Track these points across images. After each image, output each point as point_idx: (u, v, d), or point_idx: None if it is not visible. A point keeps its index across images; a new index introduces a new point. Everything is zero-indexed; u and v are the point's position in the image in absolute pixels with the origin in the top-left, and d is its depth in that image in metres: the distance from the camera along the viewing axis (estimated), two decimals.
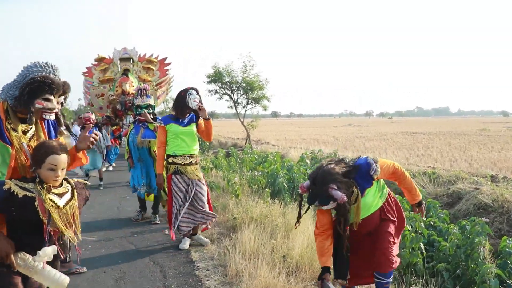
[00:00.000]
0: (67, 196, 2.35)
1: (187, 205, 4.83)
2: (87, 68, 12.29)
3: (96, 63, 12.20)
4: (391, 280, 3.08)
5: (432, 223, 5.30)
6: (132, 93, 11.15)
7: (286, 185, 7.22)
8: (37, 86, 2.26)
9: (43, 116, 2.34)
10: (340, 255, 3.10)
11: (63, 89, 2.39)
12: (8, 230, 2.25)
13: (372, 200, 3.02)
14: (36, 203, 2.18)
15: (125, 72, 11.69)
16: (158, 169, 5.02)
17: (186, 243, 5.01)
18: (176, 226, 4.88)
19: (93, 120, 9.50)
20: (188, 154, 4.83)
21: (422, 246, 4.54)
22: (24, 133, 2.39)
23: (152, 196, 6.37)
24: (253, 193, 6.95)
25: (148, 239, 5.40)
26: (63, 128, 2.60)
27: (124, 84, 11.00)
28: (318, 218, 3.12)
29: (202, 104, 4.77)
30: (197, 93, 4.77)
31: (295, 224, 3.27)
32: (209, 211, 4.95)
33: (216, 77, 16.85)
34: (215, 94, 17.48)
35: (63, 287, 2.32)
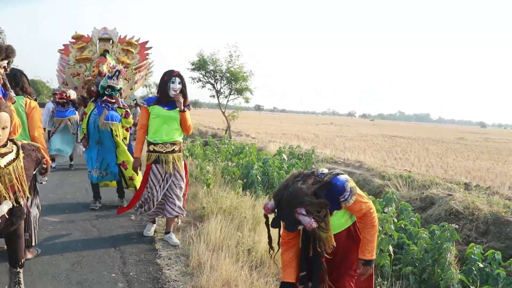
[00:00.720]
0: (10, 156, 2.23)
1: (161, 195, 4.54)
2: (64, 45, 11.85)
3: (74, 40, 11.75)
4: None
5: (403, 226, 5.26)
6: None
7: (259, 178, 7.11)
8: None
9: None
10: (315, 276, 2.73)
11: (6, 53, 2.24)
12: None
13: (339, 221, 2.68)
14: None
15: (104, 53, 11.32)
16: (136, 152, 4.67)
17: (151, 230, 4.84)
18: (141, 212, 4.66)
19: (66, 96, 9.11)
20: (170, 141, 4.49)
21: (391, 248, 4.48)
22: None
23: (114, 182, 6.13)
24: (226, 184, 6.81)
25: (112, 224, 5.22)
26: (12, 94, 2.45)
27: (101, 65, 10.64)
28: (283, 228, 2.70)
29: (184, 94, 4.45)
30: (180, 82, 4.42)
31: (269, 251, 2.77)
32: (178, 206, 4.61)
33: (200, 65, 16.63)
34: (198, 81, 17.27)
35: None
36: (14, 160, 2.24)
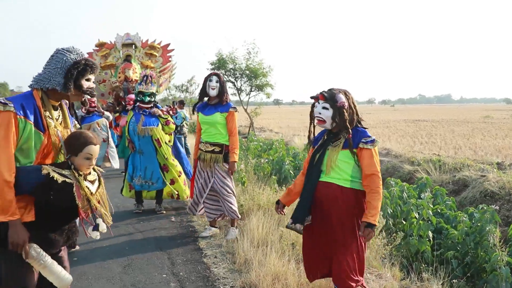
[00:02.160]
0: (96, 183, 2.40)
1: (207, 191, 4.77)
2: (87, 53, 12.11)
3: (97, 48, 12.01)
4: None
5: (439, 211, 5.27)
6: (135, 79, 10.97)
7: (292, 172, 7.18)
8: (83, 68, 2.34)
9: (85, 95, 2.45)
10: (303, 197, 3.03)
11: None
12: (36, 214, 2.25)
13: (337, 158, 2.89)
14: (74, 189, 2.22)
15: (127, 58, 11.52)
16: (194, 153, 5.05)
17: (207, 232, 4.94)
18: (194, 211, 4.97)
19: (96, 104, 9.24)
20: (210, 141, 4.71)
21: (430, 234, 4.50)
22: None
23: (153, 192, 6.22)
24: (259, 181, 6.91)
25: (154, 227, 5.39)
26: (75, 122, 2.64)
27: (127, 70, 10.84)
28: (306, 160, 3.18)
29: (221, 91, 4.66)
30: (218, 80, 4.64)
31: (307, 145, 3.22)
32: (234, 209, 4.77)
33: (220, 64, 16.77)
34: None
35: (66, 285, 2.34)
36: (98, 187, 2.40)
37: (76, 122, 2.67)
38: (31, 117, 2.24)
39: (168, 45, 12.47)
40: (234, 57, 16.68)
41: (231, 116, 4.70)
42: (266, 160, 7.79)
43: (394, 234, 4.78)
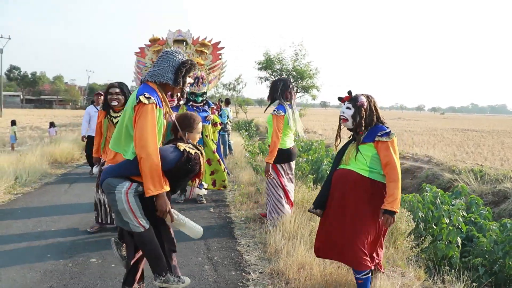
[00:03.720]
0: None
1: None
2: (139, 48, 12.71)
3: (150, 43, 12.56)
4: (367, 276, 3.12)
5: (473, 219, 5.30)
6: None
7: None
8: (189, 67, 2.81)
9: (185, 90, 2.92)
10: (324, 185, 3.40)
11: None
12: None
13: (357, 155, 3.16)
14: (201, 159, 2.79)
15: None
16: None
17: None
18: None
19: None
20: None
21: (459, 240, 4.58)
22: None
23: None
24: (297, 179, 7.14)
25: (194, 216, 5.75)
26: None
27: None
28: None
29: (270, 93, 5.03)
30: (268, 86, 5.03)
31: (335, 143, 3.59)
32: (268, 208, 5.04)
33: (267, 64, 17.08)
34: (265, 81, 17.74)
35: (200, 234, 2.94)
36: None
37: None
38: (161, 106, 2.71)
39: (218, 43, 12.81)
40: (281, 58, 16.97)
41: (272, 119, 4.97)
42: (305, 159, 8.01)
43: (423, 238, 4.90)
